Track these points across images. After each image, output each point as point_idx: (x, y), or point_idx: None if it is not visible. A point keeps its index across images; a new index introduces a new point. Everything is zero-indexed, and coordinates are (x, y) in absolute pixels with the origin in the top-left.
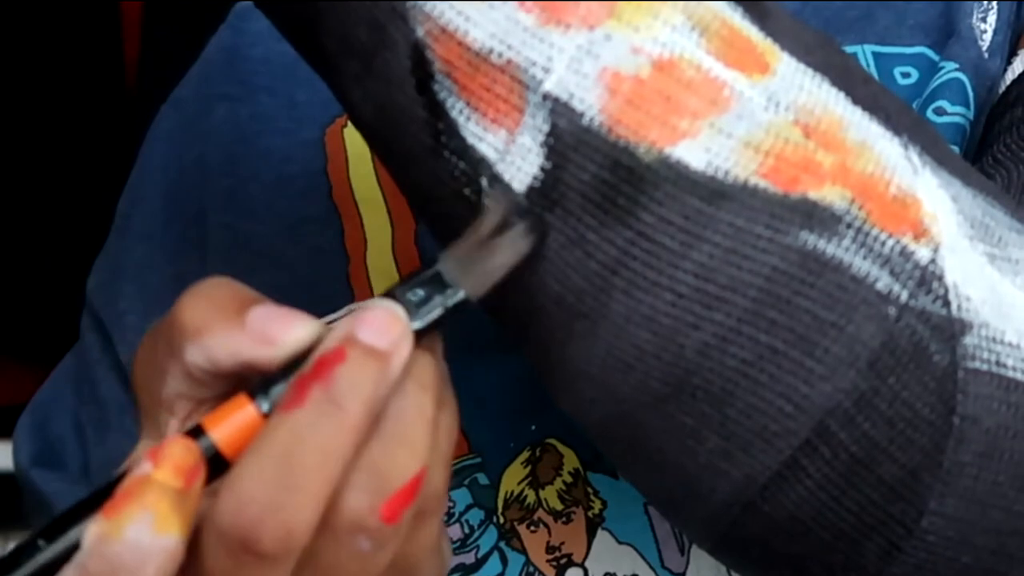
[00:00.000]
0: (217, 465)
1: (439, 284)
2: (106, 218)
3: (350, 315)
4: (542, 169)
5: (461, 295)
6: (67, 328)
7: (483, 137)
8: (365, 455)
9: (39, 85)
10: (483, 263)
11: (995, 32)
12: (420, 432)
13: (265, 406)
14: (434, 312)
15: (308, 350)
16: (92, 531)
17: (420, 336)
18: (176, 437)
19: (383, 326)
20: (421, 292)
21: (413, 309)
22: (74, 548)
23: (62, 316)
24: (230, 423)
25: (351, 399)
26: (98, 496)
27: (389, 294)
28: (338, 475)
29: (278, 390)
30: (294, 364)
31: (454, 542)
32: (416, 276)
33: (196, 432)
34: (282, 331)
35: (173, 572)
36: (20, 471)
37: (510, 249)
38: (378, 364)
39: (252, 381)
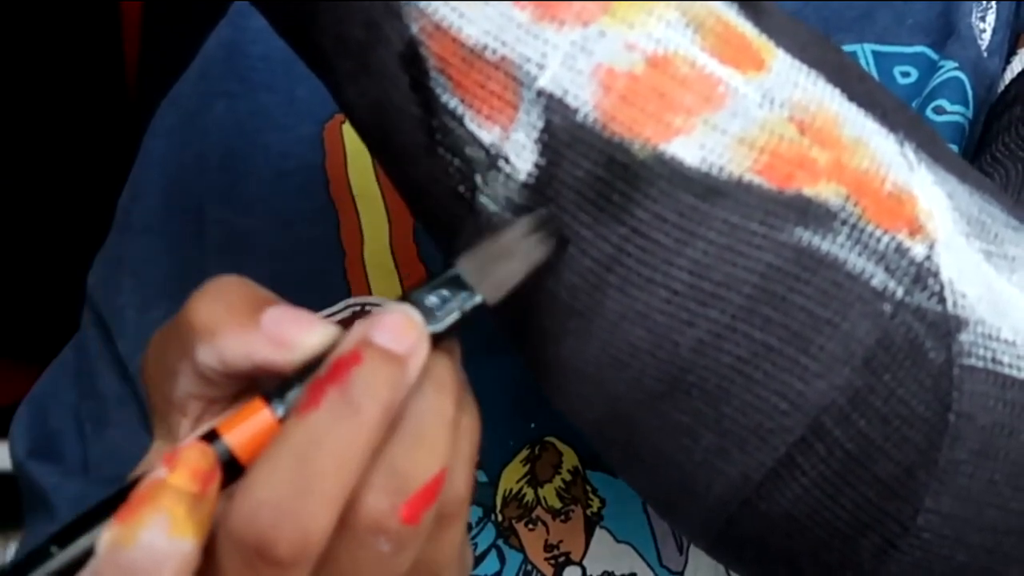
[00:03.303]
0: (232, 470)
1: (456, 288)
2: (105, 219)
3: (366, 318)
4: (536, 166)
5: (478, 299)
6: (66, 328)
7: (477, 134)
8: (384, 456)
9: (39, 85)
10: (501, 268)
11: (994, 31)
12: (440, 432)
13: (280, 410)
14: (451, 316)
15: (323, 354)
16: (106, 536)
17: (437, 340)
18: (192, 442)
19: (399, 330)
20: (438, 296)
21: (430, 313)
22: (87, 554)
23: (61, 316)
24: (245, 427)
25: (367, 401)
26: (112, 501)
27: (405, 297)
28: (354, 478)
29: (293, 394)
30: (309, 367)
31: None
32: (434, 280)
33: (211, 437)
34: (298, 334)
35: None
36: (16, 463)
37: (528, 254)
38: (394, 367)
39: (265, 382)
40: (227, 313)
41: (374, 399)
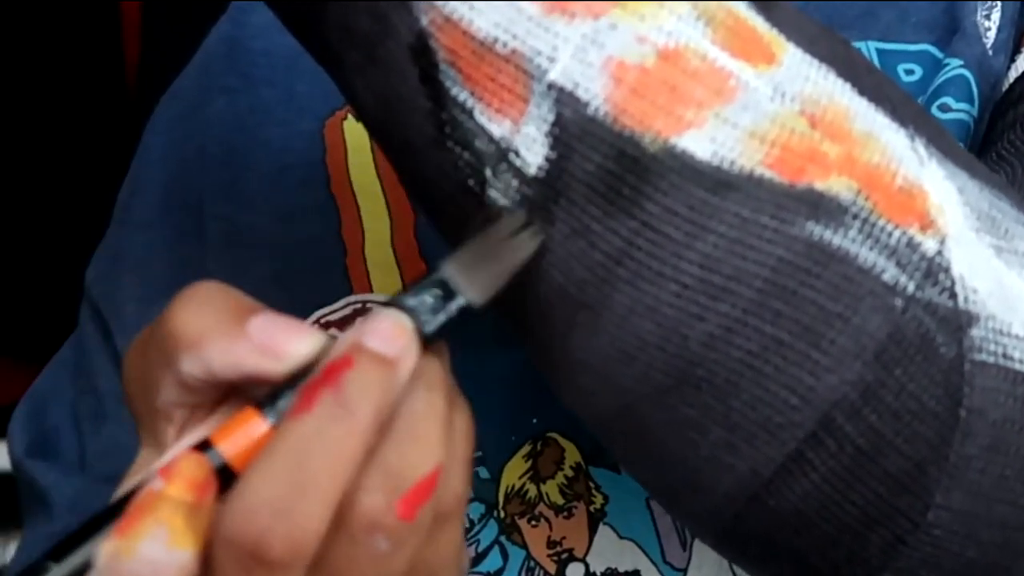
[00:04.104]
0: (226, 480)
1: (444, 291)
2: (105, 219)
3: (356, 325)
4: (547, 159)
5: (464, 302)
6: (66, 327)
7: (487, 127)
8: (378, 456)
9: (39, 85)
10: (487, 269)
11: (999, 29)
12: (433, 430)
13: (272, 418)
14: (439, 319)
15: (313, 362)
16: (105, 549)
17: (427, 342)
18: (186, 452)
19: (390, 335)
20: (426, 299)
21: (418, 317)
22: (84, 568)
23: (61, 315)
24: (238, 436)
25: (360, 403)
26: (107, 514)
27: (394, 302)
28: (348, 480)
29: (285, 402)
30: (299, 375)
31: None
32: (421, 283)
33: (204, 446)
34: (287, 343)
35: None
36: (15, 461)
37: (514, 253)
38: (386, 369)
39: (254, 391)
40: (211, 322)
41: (367, 400)
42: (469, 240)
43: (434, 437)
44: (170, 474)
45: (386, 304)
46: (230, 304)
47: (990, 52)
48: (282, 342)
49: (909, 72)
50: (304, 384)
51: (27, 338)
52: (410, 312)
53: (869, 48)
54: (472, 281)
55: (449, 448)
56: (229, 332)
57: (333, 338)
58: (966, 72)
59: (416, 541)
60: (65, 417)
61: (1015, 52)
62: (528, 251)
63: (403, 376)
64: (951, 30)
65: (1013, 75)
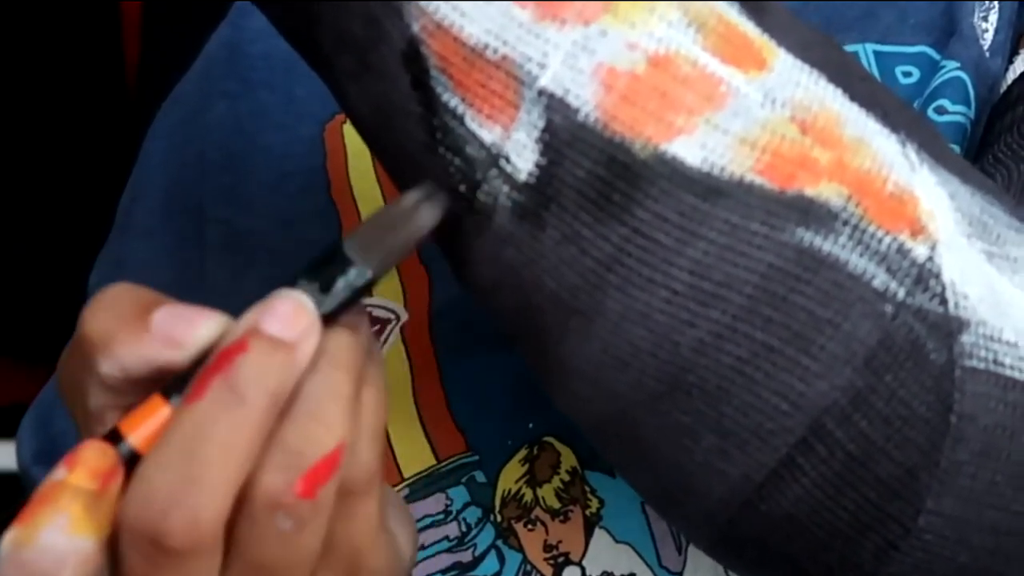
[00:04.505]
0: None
1: (345, 265)
2: (106, 219)
3: (254, 307)
4: (537, 165)
5: (368, 275)
6: (68, 328)
7: (478, 133)
8: (278, 436)
9: (39, 85)
10: (387, 242)
11: (996, 31)
12: (334, 409)
13: (177, 403)
14: (341, 294)
15: (217, 345)
16: (7, 539)
17: (333, 317)
18: (90, 441)
19: (289, 317)
20: (328, 275)
21: (320, 294)
22: None
23: (63, 316)
24: (146, 425)
25: (252, 389)
26: (20, 508)
27: (295, 281)
28: (245, 464)
29: (190, 387)
30: (205, 360)
31: (451, 540)
32: (321, 260)
33: (114, 436)
34: (187, 331)
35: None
36: (22, 468)
37: (413, 227)
38: (282, 354)
39: (167, 381)
40: (118, 321)
41: (259, 387)
42: (370, 215)
43: (335, 416)
44: (72, 463)
45: (286, 284)
46: (136, 302)
47: (987, 54)
48: (182, 330)
49: (907, 74)
50: (200, 370)
51: (29, 339)
52: (311, 290)
53: (867, 50)
54: (372, 255)
55: (355, 424)
56: (136, 329)
57: (235, 320)
58: (963, 74)
59: (323, 520)
60: (70, 424)
61: (1012, 54)
62: (427, 224)
63: (302, 359)
64: (949, 32)
65: (1011, 77)
